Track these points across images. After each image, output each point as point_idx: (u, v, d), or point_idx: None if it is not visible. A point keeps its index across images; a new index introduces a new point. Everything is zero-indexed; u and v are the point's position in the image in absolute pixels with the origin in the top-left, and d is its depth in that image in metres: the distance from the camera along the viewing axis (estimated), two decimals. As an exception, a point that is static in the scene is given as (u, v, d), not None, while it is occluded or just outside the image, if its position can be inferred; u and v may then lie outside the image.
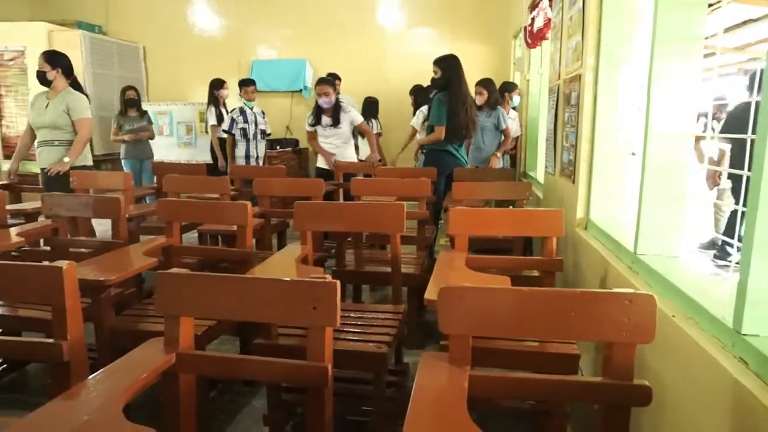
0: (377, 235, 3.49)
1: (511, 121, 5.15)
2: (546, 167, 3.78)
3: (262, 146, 5.42)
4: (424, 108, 5.51)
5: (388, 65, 7.34)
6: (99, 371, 1.23)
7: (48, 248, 2.77)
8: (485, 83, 4.82)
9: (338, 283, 1.25)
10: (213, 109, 5.69)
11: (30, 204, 3.52)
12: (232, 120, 5.24)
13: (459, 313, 1.21)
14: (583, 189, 2.80)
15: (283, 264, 2.11)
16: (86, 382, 1.17)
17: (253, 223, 2.42)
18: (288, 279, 1.26)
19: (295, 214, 2.31)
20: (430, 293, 1.65)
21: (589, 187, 2.77)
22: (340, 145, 4.55)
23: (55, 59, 3.76)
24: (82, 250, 2.82)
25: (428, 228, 3.54)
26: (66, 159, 3.72)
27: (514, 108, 5.40)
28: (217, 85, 5.69)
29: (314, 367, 1.24)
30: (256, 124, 5.34)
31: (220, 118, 5.64)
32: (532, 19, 4.19)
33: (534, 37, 4.17)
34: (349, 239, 3.00)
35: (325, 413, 1.29)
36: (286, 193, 3.35)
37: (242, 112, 5.29)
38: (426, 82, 6.91)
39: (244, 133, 5.27)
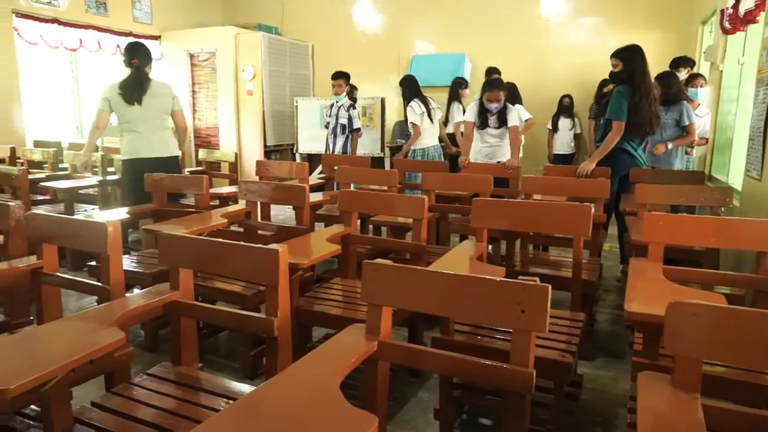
0: (541, 236, 3.34)
1: (698, 119, 4.57)
2: (747, 171, 3.30)
3: (340, 141, 5.26)
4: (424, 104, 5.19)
5: (550, 57, 6.99)
6: (310, 353, 1.31)
7: (241, 230, 3.07)
8: (658, 78, 4.32)
9: (549, 287, 1.19)
10: (455, 104, 5.92)
11: (225, 188, 3.94)
12: (326, 114, 5.39)
13: (691, 333, 1.08)
14: (806, 198, 2.39)
15: (460, 260, 2.09)
16: (301, 361, 1.25)
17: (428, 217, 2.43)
18: (498, 279, 1.22)
19: (473, 210, 2.28)
20: (632, 305, 1.51)
21: (815, 196, 2.36)
22: (494, 144, 4.45)
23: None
24: (268, 233, 3.09)
25: (601, 232, 3.30)
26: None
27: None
28: (460, 84, 5.91)
29: (519, 372, 1.19)
30: (336, 118, 5.23)
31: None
32: (737, 0, 3.67)
33: (737, 21, 3.65)
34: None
35: (524, 419, 1.24)
36: (454, 188, 3.35)
37: (331, 106, 5.32)
38: (590, 75, 6.53)
39: (328, 126, 5.34)
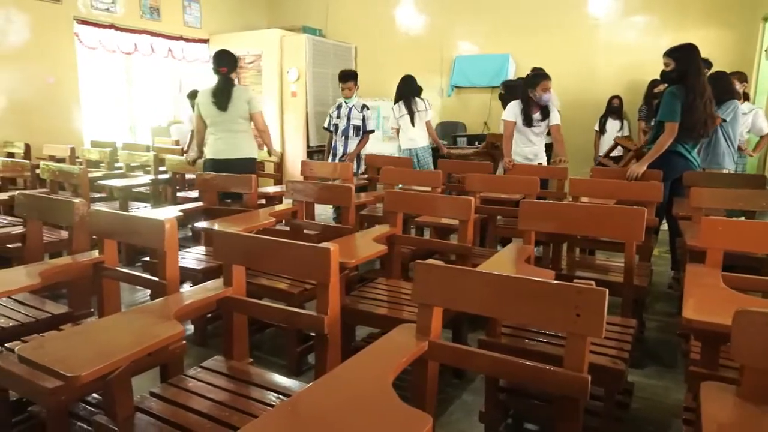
0: (588, 239, 3.27)
1: (743, 117, 4.39)
2: (812, 174, 3.14)
3: (352, 144, 4.90)
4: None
5: (598, 57, 6.82)
6: (361, 351, 1.32)
7: (286, 228, 3.13)
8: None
9: (606, 291, 1.17)
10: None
11: (271, 188, 4.03)
12: (329, 116, 5.02)
13: (761, 342, 1.04)
14: None
15: (507, 262, 2.07)
16: (354, 359, 1.27)
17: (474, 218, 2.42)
18: (553, 282, 1.21)
19: (520, 212, 2.26)
20: (691, 312, 1.46)
21: None
22: (536, 144, 4.40)
23: None
24: (312, 232, 3.13)
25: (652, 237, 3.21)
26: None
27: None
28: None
29: (574, 377, 1.17)
30: (348, 119, 4.87)
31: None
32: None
33: (803, 18, 3.46)
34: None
35: (577, 425, 1.22)
36: (498, 190, 3.32)
37: (338, 107, 4.99)
38: (640, 75, 6.33)
39: (336, 129, 4.95)
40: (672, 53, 3.65)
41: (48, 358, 1.22)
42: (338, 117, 4.93)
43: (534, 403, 1.98)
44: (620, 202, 3.05)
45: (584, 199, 3.24)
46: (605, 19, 6.77)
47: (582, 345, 1.18)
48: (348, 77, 4.88)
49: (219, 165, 3.90)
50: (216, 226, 2.41)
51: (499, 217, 3.45)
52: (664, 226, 3.91)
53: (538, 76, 4.26)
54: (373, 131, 5.03)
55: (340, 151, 4.89)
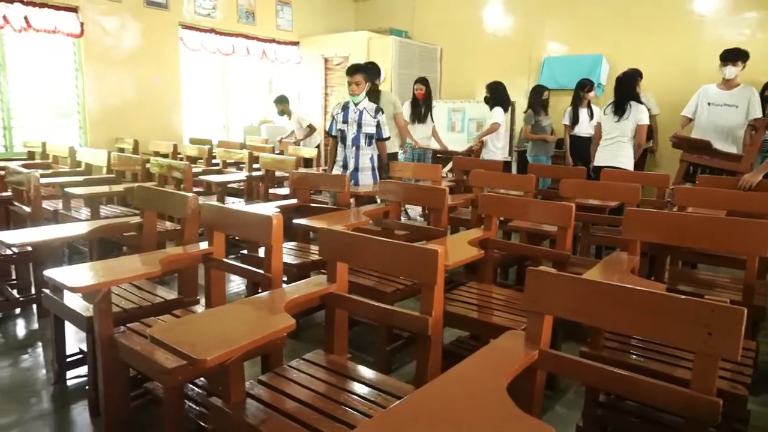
0: (693, 252, 3.07)
1: None
2: None
3: (365, 156, 3.97)
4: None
5: (703, 57, 6.36)
6: (470, 356, 1.31)
7: (376, 228, 3.18)
8: None
9: (745, 310, 1.09)
10: (569, 109, 5.69)
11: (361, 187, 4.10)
12: (332, 119, 4.06)
13: None
14: None
15: (613, 272, 1.98)
16: (464, 364, 1.26)
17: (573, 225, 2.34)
18: (682, 297, 1.14)
19: (624, 221, 2.16)
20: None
21: None
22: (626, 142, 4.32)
23: None
24: (402, 232, 3.16)
25: None
26: None
27: None
28: (582, 86, 5.66)
29: (705, 399, 1.10)
30: (358, 126, 3.91)
31: (574, 120, 5.60)
32: None
33: None
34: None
35: (703, 452, 1.15)
36: (595, 196, 3.19)
37: (344, 108, 4.01)
38: (754, 76, 5.83)
39: (342, 136, 4.00)
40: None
41: (177, 340, 1.31)
42: (344, 122, 3.98)
43: (635, 421, 1.89)
44: (731, 214, 2.84)
45: (689, 209, 3.05)
46: (711, 16, 6.32)
47: (713, 366, 1.11)
48: (356, 70, 3.91)
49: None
50: (317, 224, 2.49)
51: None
52: None
53: (636, 70, 4.41)
54: (389, 138, 4.20)
55: (351, 164, 3.97)
